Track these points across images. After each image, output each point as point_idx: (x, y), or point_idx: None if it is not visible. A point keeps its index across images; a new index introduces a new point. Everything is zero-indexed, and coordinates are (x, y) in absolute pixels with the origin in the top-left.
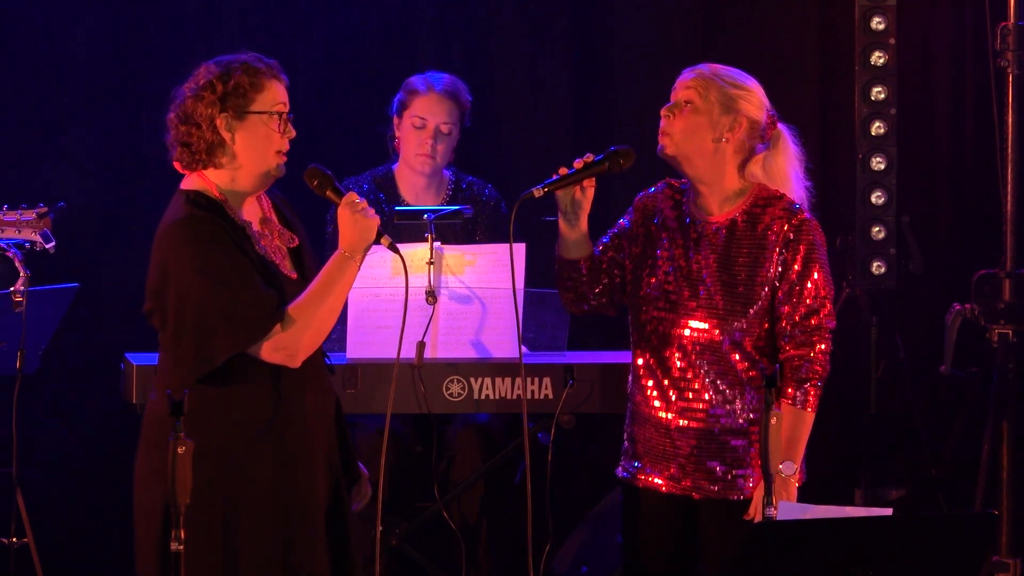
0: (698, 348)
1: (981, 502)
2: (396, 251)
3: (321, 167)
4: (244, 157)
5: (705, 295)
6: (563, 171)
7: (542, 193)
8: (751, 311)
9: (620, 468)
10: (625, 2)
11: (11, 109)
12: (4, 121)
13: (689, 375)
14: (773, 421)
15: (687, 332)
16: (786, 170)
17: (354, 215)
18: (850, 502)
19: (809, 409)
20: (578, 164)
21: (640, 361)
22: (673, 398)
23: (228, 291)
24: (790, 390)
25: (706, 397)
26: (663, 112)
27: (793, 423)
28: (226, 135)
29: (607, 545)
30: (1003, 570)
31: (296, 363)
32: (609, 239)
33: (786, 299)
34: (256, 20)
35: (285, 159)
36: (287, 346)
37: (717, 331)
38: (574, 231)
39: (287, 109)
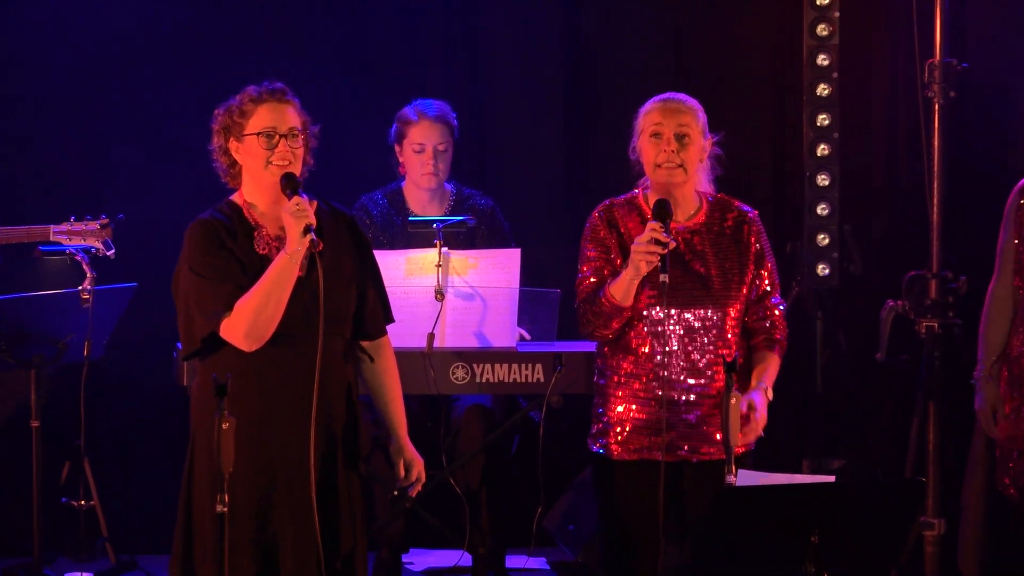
0: (702, 331)
1: (911, 470)
2: (315, 249)
3: (289, 175)
4: (248, 173)
5: (708, 286)
6: (664, 237)
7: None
8: (742, 295)
9: (597, 445)
10: (609, 40)
11: (82, 128)
12: (72, 138)
13: (697, 355)
14: (733, 401)
15: (696, 321)
16: (706, 162)
17: (285, 214)
18: (798, 470)
19: (777, 353)
20: (660, 235)
21: (645, 350)
22: (685, 377)
23: (203, 283)
24: (767, 339)
25: (711, 373)
26: (671, 147)
27: (770, 363)
28: (237, 157)
29: (591, 508)
30: (929, 529)
31: (246, 347)
32: (602, 266)
33: (760, 283)
34: (279, 46)
35: (283, 171)
36: (231, 334)
37: (721, 315)
38: (638, 282)
39: (281, 128)
